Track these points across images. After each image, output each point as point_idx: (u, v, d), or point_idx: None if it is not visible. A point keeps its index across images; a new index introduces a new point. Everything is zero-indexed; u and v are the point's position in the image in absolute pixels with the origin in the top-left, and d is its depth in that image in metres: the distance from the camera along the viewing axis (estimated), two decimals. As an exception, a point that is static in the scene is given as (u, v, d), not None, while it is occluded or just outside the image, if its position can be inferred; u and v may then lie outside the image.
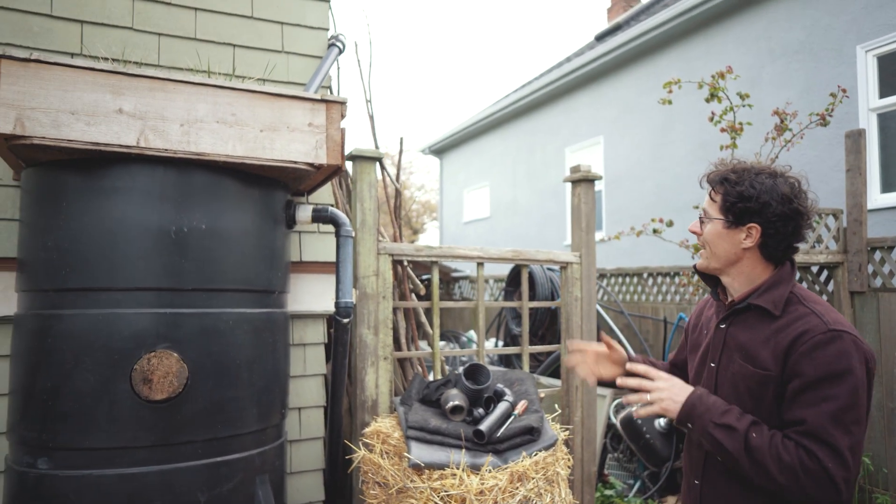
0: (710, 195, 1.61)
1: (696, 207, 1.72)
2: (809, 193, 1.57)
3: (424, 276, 5.35)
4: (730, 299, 1.63)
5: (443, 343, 7.00)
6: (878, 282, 3.92)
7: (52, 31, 2.24)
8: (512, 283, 5.93)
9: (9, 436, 1.90)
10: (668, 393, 1.52)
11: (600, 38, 10.94)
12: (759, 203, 1.49)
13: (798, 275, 4.22)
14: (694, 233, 1.64)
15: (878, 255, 3.91)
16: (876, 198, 5.95)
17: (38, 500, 1.76)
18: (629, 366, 1.68)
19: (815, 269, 4.16)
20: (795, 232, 1.52)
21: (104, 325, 1.79)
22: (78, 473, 1.75)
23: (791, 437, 1.40)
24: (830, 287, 4.10)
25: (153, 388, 1.78)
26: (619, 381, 1.64)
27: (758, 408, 1.49)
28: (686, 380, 1.70)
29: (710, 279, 1.68)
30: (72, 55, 2.27)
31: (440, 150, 14.67)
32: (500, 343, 6.34)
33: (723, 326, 1.62)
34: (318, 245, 2.63)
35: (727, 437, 1.42)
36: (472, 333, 7.21)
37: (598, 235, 9.06)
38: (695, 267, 1.70)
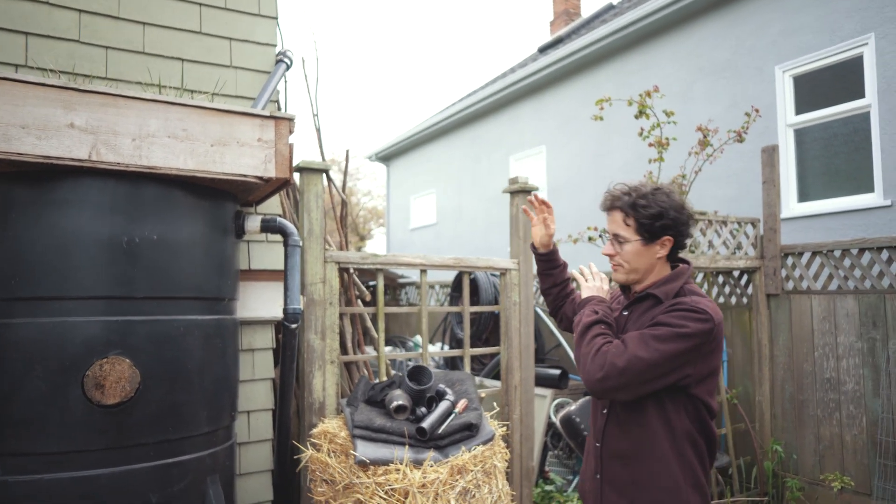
0: (622, 221, 1.83)
1: (604, 232, 1.98)
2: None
3: (372, 283, 5.46)
4: (632, 292, 1.94)
5: (390, 348, 7.11)
6: (790, 285, 4.27)
7: (-4, 42, 2.27)
8: (457, 289, 6.11)
9: (-44, 444, 1.92)
10: (592, 283, 2.03)
11: (543, 50, 11.30)
12: (668, 218, 1.78)
13: (722, 278, 4.55)
14: (608, 255, 1.89)
15: (790, 261, 4.27)
16: (794, 207, 6.41)
17: (-11, 505, 1.80)
18: (580, 267, 2.14)
19: (736, 273, 4.49)
20: (688, 233, 1.84)
21: (56, 332, 1.84)
22: (30, 478, 1.80)
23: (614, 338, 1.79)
24: (750, 290, 4.44)
25: (105, 393, 1.84)
26: (574, 272, 2.15)
27: None
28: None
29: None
30: (16, 67, 2.29)
31: (387, 157, 14.77)
32: (446, 347, 6.50)
33: (625, 313, 1.91)
34: (266, 254, 2.72)
35: (590, 314, 1.84)
36: (418, 338, 7.34)
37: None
38: (611, 280, 1.97)
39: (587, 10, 12.19)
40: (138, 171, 1.91)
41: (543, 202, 2.21)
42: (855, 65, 5.88)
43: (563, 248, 7.18)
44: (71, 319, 1.86)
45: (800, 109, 6.41)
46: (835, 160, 6.15)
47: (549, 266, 2.27)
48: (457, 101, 12.48)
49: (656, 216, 1.77)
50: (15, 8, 2.27)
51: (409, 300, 9.17)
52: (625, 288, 1.99)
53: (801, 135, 6.42)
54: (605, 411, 1.87)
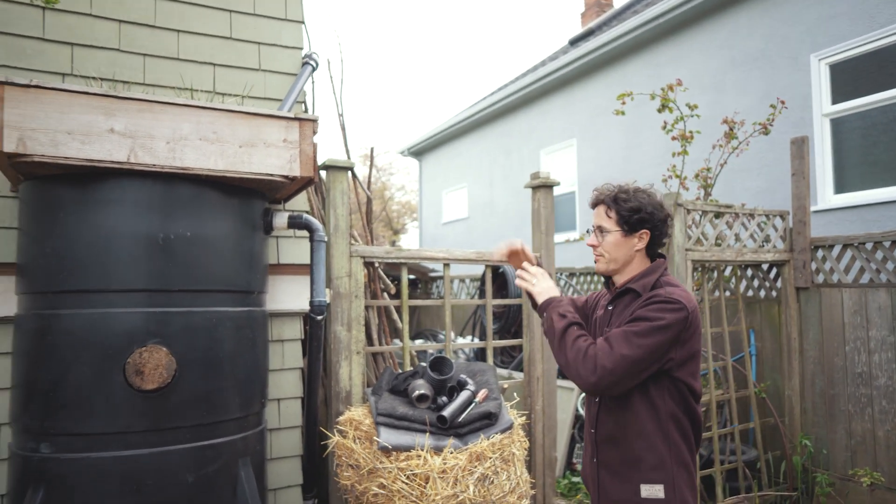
0: (605, 213, 1.97)
1: (591, 229, 2.08)
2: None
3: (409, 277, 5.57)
4: (614, 287, 2.04)
5: (421, 340, 7.22)
6: (820, 278, 4.21)
7: (45, 52, 2.43)
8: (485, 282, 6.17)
9: (12, 425, 2.09)
10: (541, 285, 2.06)
11: (574, 42, 11.23)
12: (646, 213, 1.92)
13: (750, 271, 4.52)
14: (592, 245, 2.02)
15: (820, 254, 4.21)
16: (830, 198, 6.27)
17: (41, 480, 1.96)
18: (525, 264, 2.16)
19: (764, 266, 4.45)
20: (665, 232, 1.98)
21: (99, 323, 1.99)
22: (77, 456, 1.95)
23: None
24: (779, 283, 4.40)
25: (145, 379, 1.98)
26: (517, 272, 2.15)
27: None
28: (583, 317, 2.17)
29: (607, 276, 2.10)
30: (63, 76, 2.45)
31: (419, 152, 14.88)
32: (476, 339, 6.58)
33: (610, 308, 2.03)
34: (294, 249, 2.84)
35: (559, 319, 1.91)
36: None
37: (571, 235, 9.35)
38: (595, 270, 2.07)
39: (619, 1, 12.01)
40: (172, 171, 2.05)
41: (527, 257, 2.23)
42: (894, 52, 5.72)
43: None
44: (113, 311, 2.01)
45: (836, 99, 6.26)
46: (873, 150, 5.99)
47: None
48: (487, 96, 12.51)
49: (635, 210, 1.92)
50: (61, 22, 2.43)
51: (440, 293, 9.28)
52: (608, 284, 2.10)
53: (837, 124, 6.27)
54: (596, 399, 2.00)
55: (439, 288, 9.31)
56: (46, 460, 1.97)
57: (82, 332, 1.99)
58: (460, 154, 13.19)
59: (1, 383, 2.32)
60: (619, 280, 2.01)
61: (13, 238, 2.35)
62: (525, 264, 2.14)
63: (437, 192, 14.24)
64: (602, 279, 2.14)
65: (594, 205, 2.03)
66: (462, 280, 8.64)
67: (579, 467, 4.64)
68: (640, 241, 1.96)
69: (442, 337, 7.52)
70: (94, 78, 2.44)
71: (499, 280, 6.01)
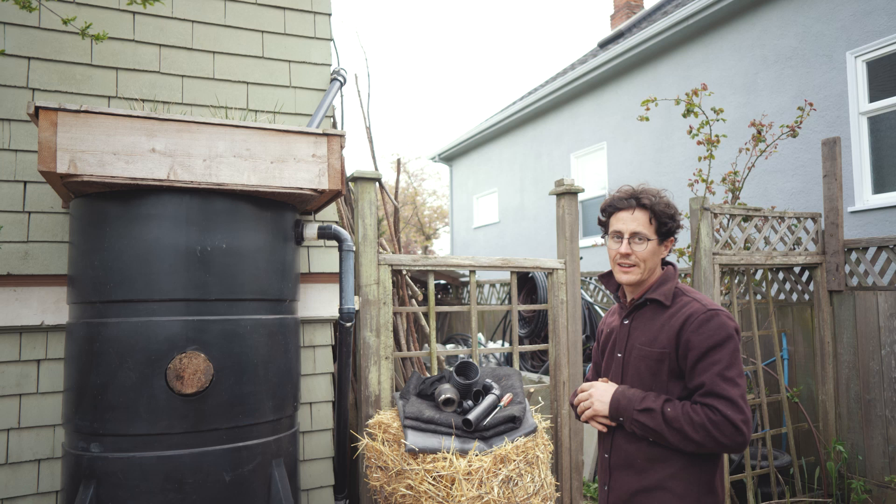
0: (648, 220, 1.83)
1: (603, 237, 1.97)
2: (689, 202, 2.01)
3: (436, 282, 5.66)
4: (629, 299, 1.94)
5: (452, 345, 7.31)
6: (854, 281, 4.14)
7: (92, 77, 2.60)
8: (517, 288, 6.23)
9: (65, 426, 2.24)
10: (595, 397, 1.88)
11: (603, 45, 11.19)
12: (676, 220, 1.86)
13: (782, 275, 4.47)
14: (626, 254, 1.85)
15: (853, 256, 4.15)
16: (868, 199, 6.14)
17: (92, 478, 2.10)
18: (577, 397, 1.98)
19: (797, 269, 4.39)
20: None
21: (143, 330, 2.13)
22: (125, 455, 2.09)
23: (696, 401, 1.72)
24: (811, 286, 4.34)
25: (185, 384, 2.11)
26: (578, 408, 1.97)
27: (655, 383, 1.80)
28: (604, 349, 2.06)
29: (610, 283, 1.99)
30: (108, 98, 2.62)
31: (449, 158, 15.00)
32: (506, 344, 6.63)
33: (626, 322, 1.93)
34: (324, 258, 2.95)
35: (649, 418, 1.74)
36: (480, 336, 7.51)
37: (600, 240, 9.30)
38: (619, 281, 1.92)
39: (649, 1, 11.95)
40: (209, 187, 2.17)
41: None
42: (933, 47, 5.58)
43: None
44: (155, 319, 2.14)
45: (874, 96, 6.12)
46: (912, 148, 5.85)
47: None
48: (516, 101, 12.54)
49: (671, 217, 1.85)
50: (107, 48, 2.60)
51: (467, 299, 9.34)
52: (608, 282, 1.99)
53: (875, 123, 6.14)
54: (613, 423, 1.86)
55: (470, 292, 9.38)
56: (96, 459, 2.11)
57: (127, 340, 2.13)
58: (490, 159, 13.25)
59: (57, 386, 2.48)
60: (637, 291, 1.91)
61: (64, 251, 2.51)
62: (586, 392, 1.93)
63: (468, 197, 14.32)
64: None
65: (633, 207, 1.86)
66: (493, 285, 8.69)
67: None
68: (666, 249, 1.89)
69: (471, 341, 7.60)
70: (136, 100, 2.59)
71: (528, 285, 6.05)
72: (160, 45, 2.71)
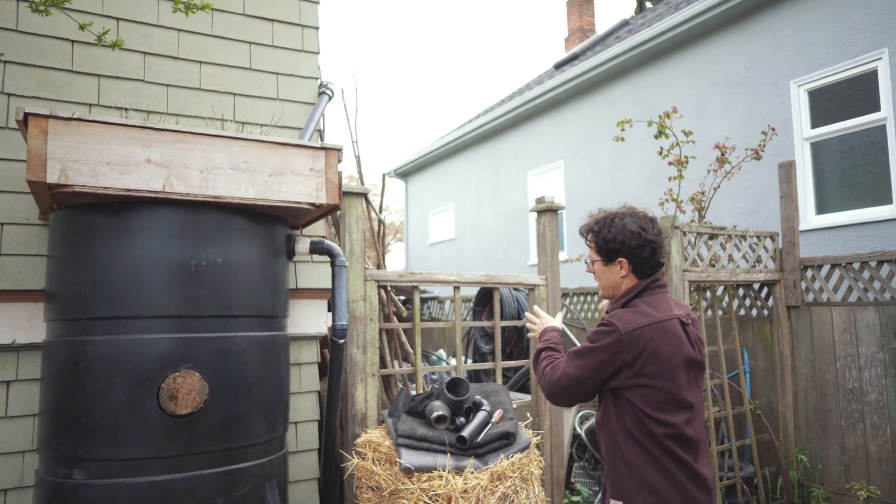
0: (589, 244, 2.15)
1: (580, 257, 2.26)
2: (659, 221, 2.28)
3: (400, 297, 5.62)
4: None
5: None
6: (810, 297, 4.37)
7: (73, 84, 2.48)
8: (480, 304, 6.26)
9: (41, 451, 2.10)
10: (539, 326, 2.33)
11: (559, 66, 11.49)
12: (617, 243, 2.04)
13: (742, 291, 4.66)
14: (591, 272, 2.19)
15: (809, 273, 4.37)
16: (811, 219, 6.49)
17: (74, 507, 1.97)
18: (533, 308, 2.51)
19: (756, 286, 4.59)
20: (653, 254, 2.05)
21: (133, 348, 2.03)
22: (112, 482, 1.97)
23: None
24: (770, 302, 4.54)
25: (178, 404, 2.02)
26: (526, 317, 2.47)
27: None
28: None
29: None
30: (90, 106, 2.50)
31: (405, 174, 15.01)
32: (469, 360, 6.63)
33: None
34: (311, 273, 2.89)
35: (535, 349, 2.21)
36: (441, 352, 7.49)
37: (561, 256, 9.49)
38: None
39: (602, 27, 12.37)
40: (205, 200, 2.10)
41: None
42: (869, 79, 5.99)
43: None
44: (147, 336, 2.04)
45: (815, 123, 6.52)
46: (852, 172, 6.24)
47: None
48: (474, 118, 12.70)
49: (608, 240, 2.06)
50: (90, 54, 2.49)
51: (431, 315, 9.32)
52: None
53: (817, 148, 6.52)
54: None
55: (430, 309, 9.35)
56: (79, 486, 1.98)
57: (116, 358, 2.02)
58: (447, 175, 13.33)
59: (28, 409, 2.33)
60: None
61: (40, 265, 2.37)
62: (527, 314, 2.45)
63: (423, 213, 14.34)
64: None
65: (581, 236, 2.20)
66: (453, 301, 8.69)
67: (578, 486, 4.69)
68: (622, 268, 2.07)
69: (434, 358, 7.55)
70: (123, 108, 2.49)
71: (492, 300, 6.09)
72: (145, 53, 2.62)
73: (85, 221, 2.09)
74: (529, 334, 2.44)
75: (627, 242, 2.02)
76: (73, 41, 2.44)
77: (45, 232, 2.39)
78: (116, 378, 2.01)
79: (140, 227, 2.08)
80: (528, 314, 2.48)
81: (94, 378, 2.01)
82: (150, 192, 2.02)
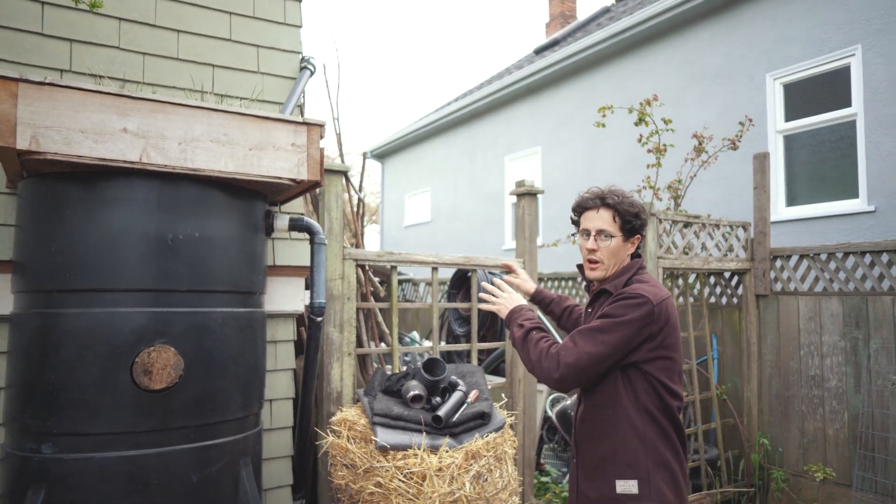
0: (612, 218, 2.00)
1: (573, 235, 2.14)
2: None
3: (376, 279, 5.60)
4: (593, 289, 2.11)
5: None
6: (778, 286, 4.48)
7: (43, 48, 2.39)
8: (455, 286, 6.27)
9: (7, 425, 2.05)
10: (505, 302, 2.15)
11: (539, 51, 11.47)
12: (641, 218, 2.00)
13: (713, 279, 4.75)
14: (592, 250, 2.02)
15: (778, 263, 4.48)
16: (782, 211, 6.64)
17: (42, 481, 1.93)
18: (495, 280, 2.31)
19: (727, 274, 4.69)
20: (645, 233, 2.06)
21: (107, 322, 1.98)
22: (83, 457, 1.93)
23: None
24: (740, 290, 4.64)
25: (153, 379, 1.98)
26: (483, 295, 2.28)
27: None
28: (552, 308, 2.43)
29: (584, 275, 2.15)
30: (61, 72, 2.42)
31: (382, 155, 14.89)
32: (443, 342, 6.66)
33: (590, 310, 2.11)
34: (289, 251, 2.86)
35: (518, 329, 2.02)
36: (414, 334, 7.51)
37: (538, 241, 9.55)
38: (588, 278, 2.11)
39: (583, 13, 12.39)
40: (184, 172, 2.05)
41: (510, 269, 2.52)
42: (842, 75, 6.11)
43: (561, 248, 7.31)
44: (121, 310, 2.00)
45: (789, 116, 6.64)
46: (822, 166, 6.38)
47: (544, 307, 2.52)
48: (452, 101, 12.63)
49: (636, 215, 1.99)
50: (62, 17, 2.40)
51: (405, 296, 9.33)
52: (588, 286, 2.18)
53: (790, 141, 6.65)
54: (580, 402, 2.05)
55: (404, 290, 9.35)
56: (48, 461, 1.94)
57: (88, 332, 1.97)
58: (424, 158, 13.27)
59: (-4, 383, 2.27)
60: (601, 283, 2.06)
61: (7, 235, 2.30)
62: (484, 284, 2.30)
63: (399, 196, 14.27)
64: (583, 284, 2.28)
65: (598, 207, 2.02)
66: (429, 283, 8.70)
67: (547, 467, 4.77)
68: (633, 245, 2.03)
69: (408, 339, 7.58)
70: (100, 76, 2.41)
71: (466, 284, 6.11)
72: (120, 19, 2.53)
73: (57, 191, 2.03)
74: (485, 306, 2.22)
75: (645, 220, 2.00)
76: (42, 2, 2.34)
77: (13, 201, 2.31)
78: (89, 352, 1.96)
79: (115, 198, 2.02)
80: (485, 284, 2.28)
81: (66, 351, 1.96)
82: (126, 162, 1.97)
